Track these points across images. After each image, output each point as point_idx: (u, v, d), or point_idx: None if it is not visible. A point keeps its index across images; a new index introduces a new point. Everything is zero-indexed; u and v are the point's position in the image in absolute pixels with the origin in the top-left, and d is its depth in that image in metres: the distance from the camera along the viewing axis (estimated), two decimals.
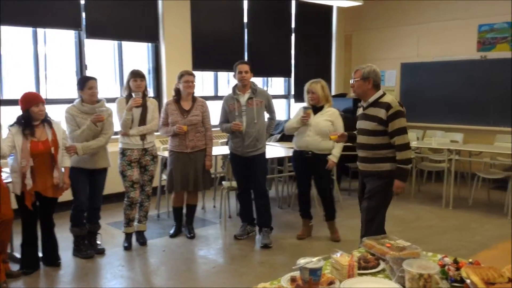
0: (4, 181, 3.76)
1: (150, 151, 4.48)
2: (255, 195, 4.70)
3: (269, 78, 8.58)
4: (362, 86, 3.43)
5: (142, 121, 4.39)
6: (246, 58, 7.64)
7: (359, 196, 3.68)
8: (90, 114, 4.08)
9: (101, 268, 4.11)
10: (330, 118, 4.49)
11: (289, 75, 8.56)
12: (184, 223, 4.94)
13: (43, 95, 4.89)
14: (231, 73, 4.69)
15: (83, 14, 5.93)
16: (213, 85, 7.60)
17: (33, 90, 5.44)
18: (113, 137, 4.32)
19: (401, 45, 8.49)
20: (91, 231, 4.39)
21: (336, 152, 4.50)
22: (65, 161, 3.93)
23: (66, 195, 4.10)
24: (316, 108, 4.52)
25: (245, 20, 7.69)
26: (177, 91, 4.65)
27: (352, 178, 6.89)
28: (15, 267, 3.90)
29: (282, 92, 8.76)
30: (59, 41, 5.97)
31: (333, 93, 8.87)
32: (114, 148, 4.57)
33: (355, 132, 3.65)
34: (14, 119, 3.79)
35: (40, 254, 4.04)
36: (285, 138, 6.51)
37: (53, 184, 3.82)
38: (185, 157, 4.61)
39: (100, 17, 6.10)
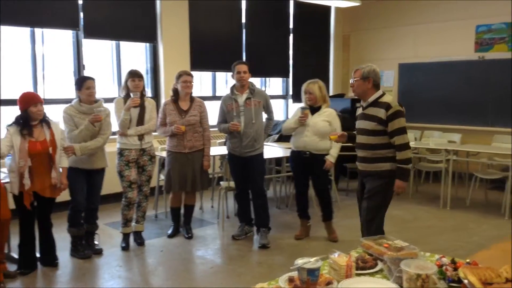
0: (2, 181, 3.76)
1: (148, 151, 4.47)
2: (253, 195, 4.70)
3: (267, 78, 8.59)
4: (362, 86, 3.43)
5: (140, 121, 4.39)
6: (244, 58, 7.64)
7: (358, 197, 3.68)
8: (88, 114, 4.08)
9: (99, 268, 4.10)
10: (327, 118, 4.49)
11: (287, 76, 8.56)
12: (182, 224, 4.94)
13: (41, 95, 4.86)
14: (229, 73, 4.69)
15: (81, 14, 5.92)
16: (211, 85, 7.60)
17: (31, 90, 5.43)
18: (111, 137, 4.32)
19: (399, 45, 8.51)
20: (89, 232, 4.38)
21: (333, 152, 4.50)
22: (63, 162, 3.93)
23: (64, 195, 4.09)
24: (314, 109, 4.52)
25: (243, 20, 7.69)
26: (175, 91, 4.65)
27: (350, 178, 6.90)
28: (12, 267, 3.90)
29: (280, 92, 8.76)
30: (57, 41, 5.96)
31: (331, 93, 8.89)
32: (112, 148, 4.56)
33: (354, 132, 3.66)
34: (12, 119, 3.78)
35: (38, 254, 4.03)
36: (283, 138, 6.50)
37: (51, 184, 3.82)
38: (183, 157, 4.61)
39: (98, 17, 6.09)
